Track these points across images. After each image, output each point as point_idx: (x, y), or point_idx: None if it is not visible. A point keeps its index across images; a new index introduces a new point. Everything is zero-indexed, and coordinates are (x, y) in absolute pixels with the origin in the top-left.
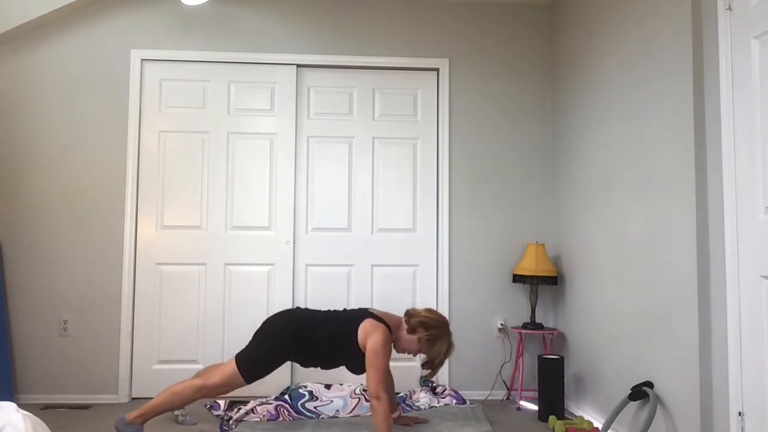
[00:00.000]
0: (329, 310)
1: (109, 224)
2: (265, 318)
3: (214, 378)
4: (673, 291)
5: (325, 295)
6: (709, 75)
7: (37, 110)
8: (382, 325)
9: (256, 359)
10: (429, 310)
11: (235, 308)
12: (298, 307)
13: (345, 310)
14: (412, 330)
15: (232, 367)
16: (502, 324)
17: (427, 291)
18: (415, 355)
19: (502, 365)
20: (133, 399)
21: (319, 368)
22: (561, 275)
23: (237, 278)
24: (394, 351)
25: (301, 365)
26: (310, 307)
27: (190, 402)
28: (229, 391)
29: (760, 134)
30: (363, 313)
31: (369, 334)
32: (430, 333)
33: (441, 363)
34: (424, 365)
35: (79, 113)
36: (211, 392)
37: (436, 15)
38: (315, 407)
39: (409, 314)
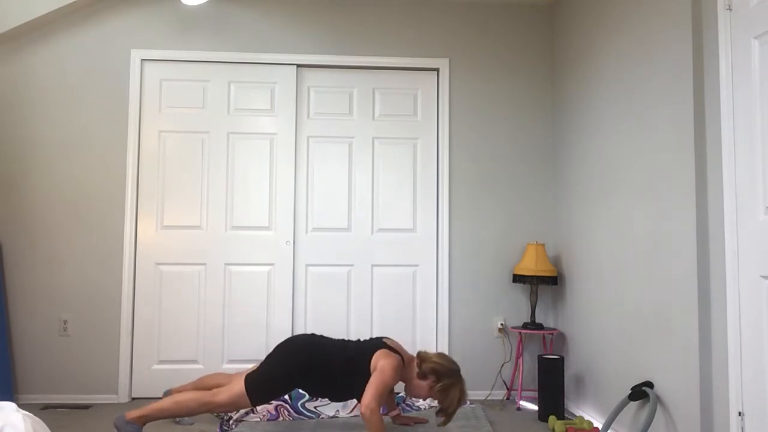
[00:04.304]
0: (344, 340)
1: (109, 224)
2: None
3: (221, 396)
4: (673, 291)
5: (325, 295)
6: (709, 75)
7: (37, 110)
8: (395, 355)
9: (266, 384)
10: (441, 356)
11: (235, 308)
12: (313, 334)
13: (359, 340)
14: (423, 376)
15: (240, 387)
16: (502, 324)
17: (427, 291)
18: (425, 399)
19: (502, 365)
20: (133, 399)
21: (328, 399)
22: (561, 275)
23: (237, 278)
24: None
25: (309, 394)
26: (310, 307)
27: (193, 414)
28: (233, 410)
29: (760, 134)
30: (378, 344)
31: (380, 359)
32: (442, 384)
33: (455, 411)
34: (438, 413)
35: (79, 113)
36: (216, 409)
37: (436, 15)
38: (315, 407)
39: (421, 358)
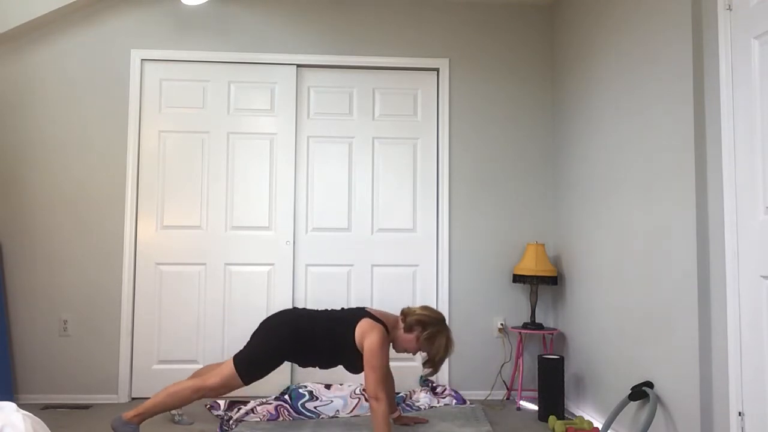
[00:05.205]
0: (327, 310)
1: (109, 224)
2: (264, 317)
3: (212, 379)
4: (673, 291)
5: (325, 295)
6: (709, 75)
7: (37, 110)
8: (379, 324)
9: (254, 360)
10: (425, 308)
11: (235, 308)
12: (295, 308)
13: (342, 309)
14: (409, 329)
15: (230, 368)
16: (502, 324)
17: (427, 291)
18: (414, 353)
19: (502, 365)
20: (133, 399)
21: (317, 368)
22: (561, 275)
23: (237, 278)
24: (393, 351)
25: (300, 365)
26: (310, 307)
27: (188, 403)
28: (227, 393)
29: (760, 134)
30: (360, 313)
31: (366, 334)
32: (428, 331)
33: (442, 360)
34: (425, 364)
35: (79, 113)
36: (208, 394)
37: (436, 15)
38: (315, 407)
39: (405, 313)
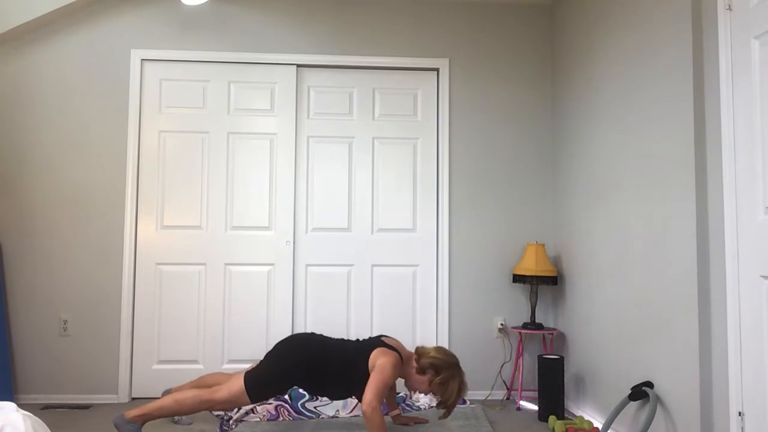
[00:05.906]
0: (343, 339)
1: (109, 224)
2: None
3: (220, 393)
4: (673, 291)
5: (325, 295)
6: (709, 75)
7: (37, 110)
8: (393, 352)
9: (265, 381)
10: (439, 350)
11: (235, 308)
12: (312, 333)
13: (359, 340)
14: (422, 371)
15: (240, 385)
16: (502, 324)
17: (427, 291)
18: (426, 394)
19: (502, 365)
20: (133, 399)
21: (327, 399)
22: (561, 275)
23: (237, 278)
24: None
25: (309, 393)
26: (310, 307)
27: (193, 412)
28: (232, 408)
29: (760, 134)
30: (376, 342)
31: (378, 358)
32: (441, 376)
33: (455, 403)
34: (438, 405)
35: (79, 113)
36: (214, 406)
37: (436, 15)
38: (315, 407)
39: (419, 353)
